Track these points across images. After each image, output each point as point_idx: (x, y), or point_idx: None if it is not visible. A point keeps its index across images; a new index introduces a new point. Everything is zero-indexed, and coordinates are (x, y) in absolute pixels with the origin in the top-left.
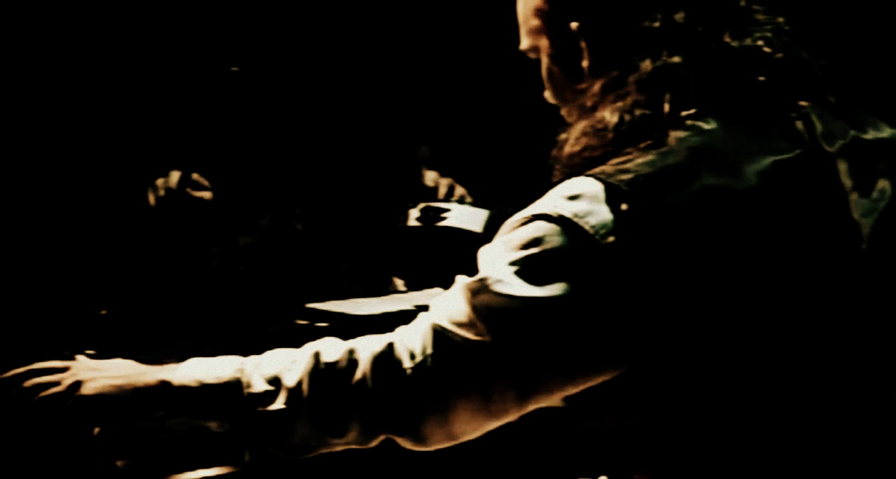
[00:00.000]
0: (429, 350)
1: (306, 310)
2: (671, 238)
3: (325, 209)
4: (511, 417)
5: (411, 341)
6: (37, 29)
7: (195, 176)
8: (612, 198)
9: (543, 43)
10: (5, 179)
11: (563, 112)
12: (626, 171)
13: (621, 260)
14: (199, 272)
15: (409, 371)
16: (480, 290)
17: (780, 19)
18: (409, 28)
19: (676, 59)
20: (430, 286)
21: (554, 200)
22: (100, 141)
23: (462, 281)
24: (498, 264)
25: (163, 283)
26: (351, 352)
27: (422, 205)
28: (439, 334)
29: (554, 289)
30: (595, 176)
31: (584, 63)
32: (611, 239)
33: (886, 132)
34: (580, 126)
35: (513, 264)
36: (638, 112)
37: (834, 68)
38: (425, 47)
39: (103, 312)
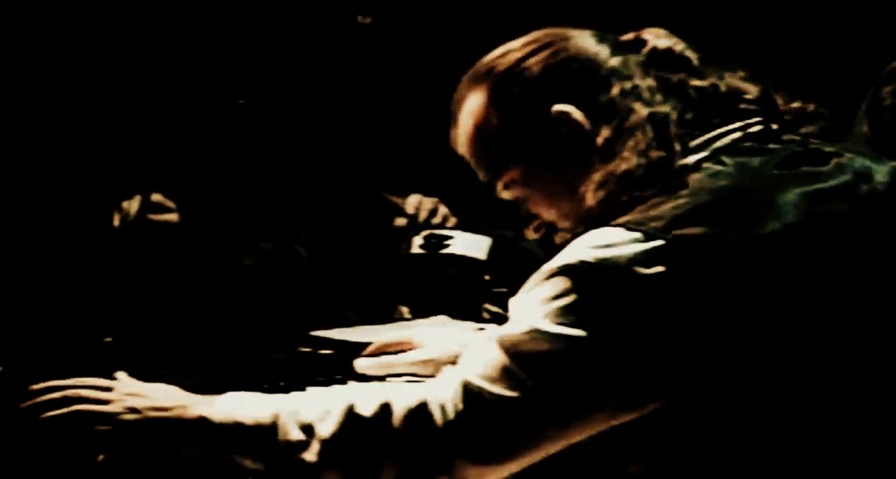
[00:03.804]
0: (460, 407)
1: (310, 338)
2: (705, 276)
3: (330, 234)
4: (542, 456)
5: (443, 397)
6: (31, 49)
7: (157, 198)
8: (643, 242)
9: (519, 160)
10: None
11: (566, 215)
12: (657, 217)
13: (656, 297)
14: (202, 298)
15: (441, 427)
16: (517, 341)
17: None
18: (404, 47)
19: (664, 107)
20: (435, 314)
21: (580, 251)
22: (100, 161)
23: (493, 334)
24: (532, 315)
25: (164, 310)
26: (384, 407)
27: (425, 232)
28: (469, 390)
29: (591, 329)
30: (623, 225)
31: (576, 136)
32: (643, 275)
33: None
34: (596, 177)
35: (547, 315)
36: (654, 153)
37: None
38: (420, 63)
39: (108, 339)
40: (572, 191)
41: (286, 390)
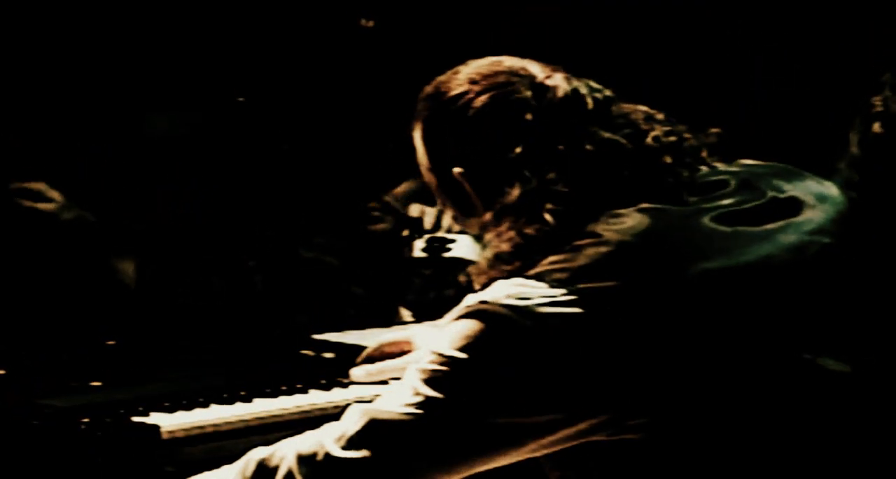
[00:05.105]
0: (355, 428)
1: (312, 341)
2: (608, 325)
3: (333, 237)
4: None
5: (337, 429)
6: (30, 48)
7: (38, 186)
8: (548, 290)
9: (445, 194)
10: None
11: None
12: (563, 270)
13: (556, 340)
14: (205, 299)
15: (338, 455)
16: (424, 368)
17: (640, 107)
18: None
19: (551, 175)
20: (437, 317)
21: (491, 292)
22: (101, 162)
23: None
24: (441, 345)
25: (164, 311)
26: (275, 452)
27: (427, 236)
28: (367, 414)
29: (488, 360)
30: (532, 277)
31: (476, 200)
32: (546, 320)
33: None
34: (489, 253)
35: (452, 343)
36: (528, 230)
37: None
38: (423, 67)
39: (109, 342)
40: (482, 230)
41: (288, 394)
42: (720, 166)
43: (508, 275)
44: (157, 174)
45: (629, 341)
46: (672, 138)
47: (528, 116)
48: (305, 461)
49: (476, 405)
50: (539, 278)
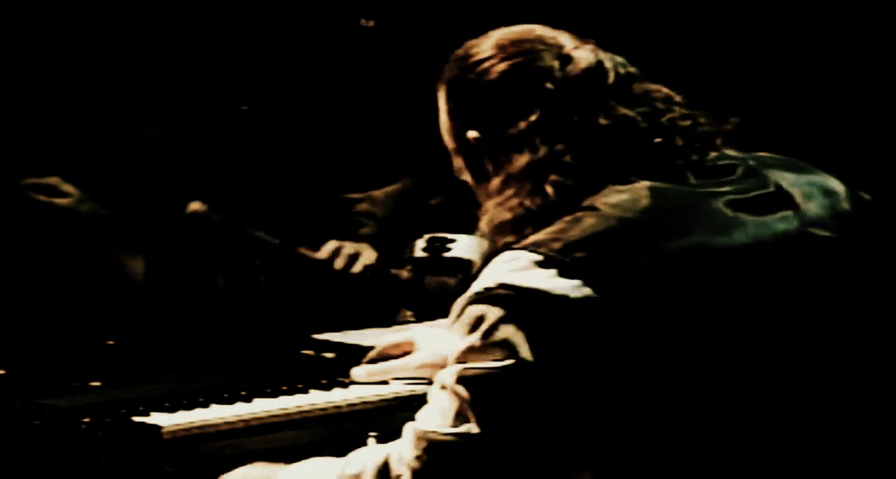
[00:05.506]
0: (416, 454)
1: (313, 341)
2: (605, 295)
3: (334, 238)
4: None
5: (402, 449)
6: (31, 52)
7: (53, 181)
8: (543, 264)
9: (460, 158)
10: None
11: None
12: (556, 240)
13: (562, 315)
14: (206, 299)
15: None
16: (456, 380)
17: (662, 89)
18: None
19: (559, 146)
20: (437, 317)
21: (487, 278)
22: (102, 165)
23: (438, 378)
24: (460, 351)
25: (165, 312)
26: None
27: (427, 236)
28: (420, 436)
29: (515, 351)
30: (524, 248)
31: (487, 165)
32: (547, 295)
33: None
34: (490, 215)
35: (471, 347)
36: (528, 202)
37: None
38: (425, 67)
39: (110, 342)
40: (488, 197)
41: (288, 394)
42: (731, 153)
43: (505, 246)
44: (163, 175)
45: (623, 312)
46: (687, 122)
47: (548, 85)
48: None
49: (516, 389)
50: (534, 247)
